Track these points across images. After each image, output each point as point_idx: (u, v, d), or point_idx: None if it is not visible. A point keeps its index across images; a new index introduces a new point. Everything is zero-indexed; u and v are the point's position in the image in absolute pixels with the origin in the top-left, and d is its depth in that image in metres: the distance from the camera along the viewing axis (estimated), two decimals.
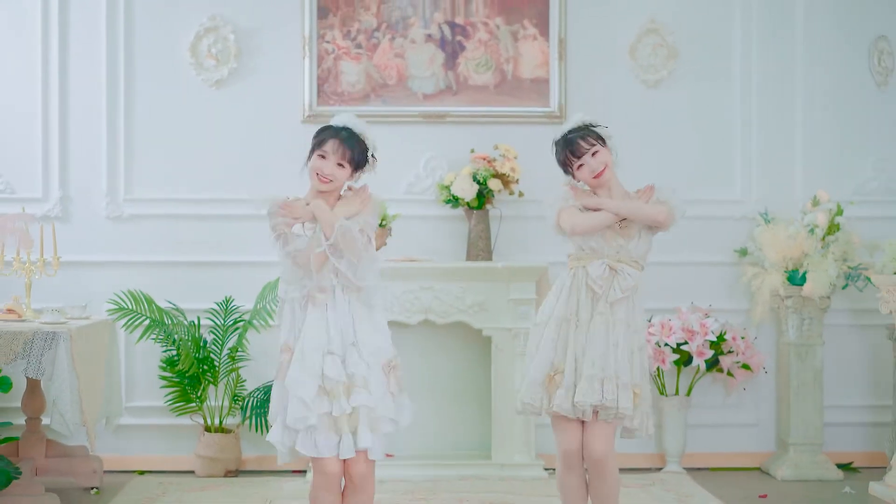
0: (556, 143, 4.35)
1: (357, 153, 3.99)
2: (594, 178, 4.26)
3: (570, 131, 4.33)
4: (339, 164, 3.96)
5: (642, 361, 4.22)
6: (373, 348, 3.94)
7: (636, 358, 4.20)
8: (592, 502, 4.30)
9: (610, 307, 4.19)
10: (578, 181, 4.32)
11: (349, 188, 4.09)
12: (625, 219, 4.24)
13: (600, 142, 4.28)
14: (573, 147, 4.28)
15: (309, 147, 4.05)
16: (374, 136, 4.06)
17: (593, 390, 4.10)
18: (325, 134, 4.01)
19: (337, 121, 4.06)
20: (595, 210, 4.24)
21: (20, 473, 4.81)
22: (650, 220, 4.24)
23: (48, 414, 5.65)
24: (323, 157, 3.97)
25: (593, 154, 4.25)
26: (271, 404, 4.00)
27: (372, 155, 4.05)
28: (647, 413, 4.20)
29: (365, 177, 5.97)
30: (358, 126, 4.04)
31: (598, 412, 4.15)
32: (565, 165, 4.33)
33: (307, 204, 3.98)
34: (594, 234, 4.24)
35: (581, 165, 4.27)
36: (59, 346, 4.99)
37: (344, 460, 3.88)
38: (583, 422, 4.19)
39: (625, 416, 4.13)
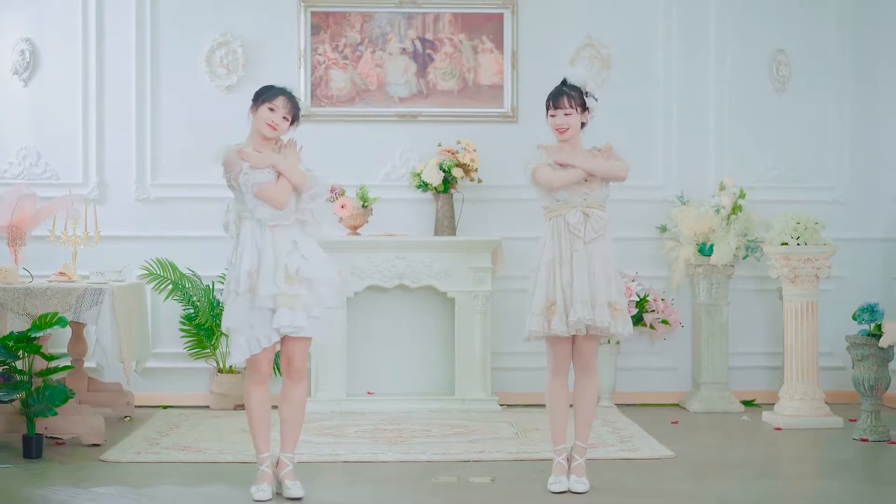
0: (555, 87, 5.04)
1: (296, 110, 4.85)
2: (557, 131, 5.01)
3: (565, 84, 5.04)
4: (284, 118, 4.81)
5: (618, 283, 5.00)
6: (314, 265, 4.78)
7: (613, 282, 4.98)
8: (576, 401, 5.11)
9: (585, 245, 4.94)
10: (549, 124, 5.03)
11: (278, 142, 4.89)
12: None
13: (580, 107, 4.99)
14: (556, 98, 5.01)
15: (257, 104, 4.79)
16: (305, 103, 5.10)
17: (584, 311, 4.88)
18: (274, 91, 4.81)
19: (278, 84, 4.87)
20: (565, 166, 4.96)
21: (74, 394, 5.98)
22: (613, 176, 5.01)
23: (89, 357, 6.87)
24: (273, 109, 4.77)
25: (566, 114, 4.97)
26: (233, 320, 4.76)
27: (303, 115, 4.92)
28: (625, 320, 5.00)
29: (349, 166, 7.16)
30: (296, 90, 4.92)
31: (588, 328, 4.96)
32: (546, 107, 5.04)
33: (260, 153, 4.77)
34: (567, 188, 4.97)
35: (553, 116, 5.00)
36: (104, 300, 6.15)
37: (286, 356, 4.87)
38: (573, 337, 5.01)
39: (602, 328, 4.93)
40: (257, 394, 4.92)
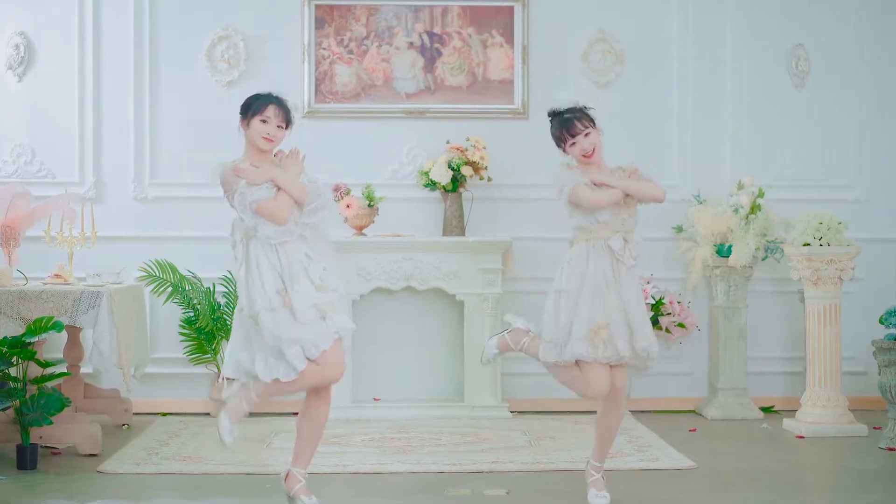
0: (553, 120, 4.77)
1: (289, 115, 4.57)
2: (584, 156, 4.71)
3: (567, 111, 4.74)
4: (279, 126, 4.52)
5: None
6: (331, 275, 4.55)
7: (644, 311, 4.79)
8: (601, 427, 4.88)
9: (627, 271, 4.73)
10: (567, 154, 4.76)
11: (277, 153, 4.61)
12: (627, 195, 4.73)
13: (591, 124, 4.72)
14: (569, 127, 4.70)
15: (248, 117, 4.49)
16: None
17: (645, 337, 4.69)
18: (262, 101, 4.51)
19: (263, 91, 4.58)
20: (601, 186, 4.69)
21: (70, 402, 5.77)
22: (651, 198, 4.75)
23: (85, 363, 6.66)
24: (265, 121, 4.49)
25: (586, 135, 4.68)
26: (280, 333, 4.42)
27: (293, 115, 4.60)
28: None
29: (354, 165, 6.97)
30: (282, 93, 4.60)
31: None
32: (559, 140, 4.75)
33: (257, 167, 4.49)
34: (608, 208, 4.72)
35: (574, 144, 4.70)
36: (101, 303, 5.95)
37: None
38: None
39: (653, 356, 4.71)
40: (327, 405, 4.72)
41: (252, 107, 4.56)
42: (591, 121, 4.76)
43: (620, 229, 4.75)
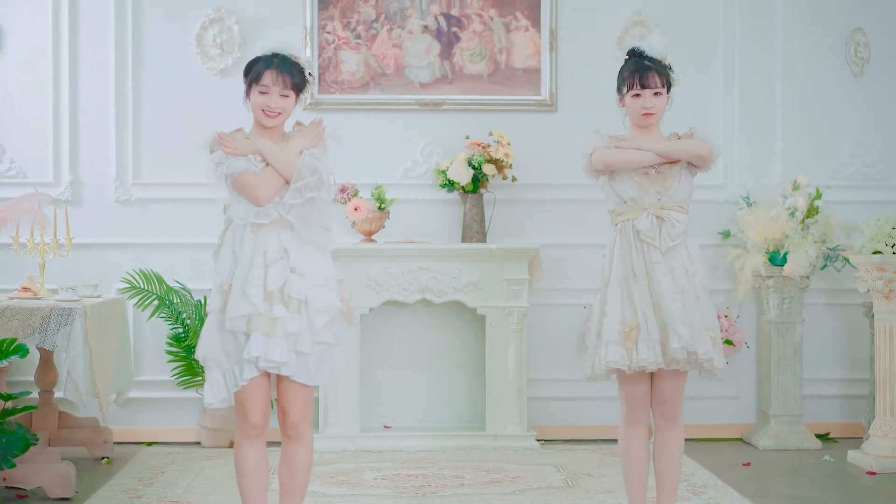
0: (631, 59, 4.17)
1: (296, 77, 3.86)
2: (643, 115, 4.12)
3: (646, 57, 4.15)
4: (283, 95, 3.84)
5: (708, 304, 4.10)
6: (308, 284, 3.81)
7: (703, 301, 4.07)
8: (658, 458, 4.22)
9: (663, 256, 4.06)
10: (621, 105, 4.20)
11: (297, 123, 3.97)
12: (664, 163, 4.10)
13: (666, 87, 4.15)
14: (644, 76, 4.11)
15: (248, 90, 3.88)
16: (306, 55, 3.96)
17: (680, 338, 3.97)
18: (259, 66, 3.86)
19: (266, 50, 3.92)
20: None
21: (37, 440, 5.01)
22: (694, 156, 4.10)
23: (60, 387, 5.91)
24: (264, 91, 3.83)
25: (655, 94, 4.11)
26: (203, 346, 3.84)
27: (309, 73, 3.92)
28: (720, 351, 4.12)
29: (363, 163, 6.23)
30: (288, 49, 3.92)
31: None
32: (625, 85, 4.15)
33: (247, 138, 3.87)
34: (627, 171, 4.11)
35: (638, 95, 4.12)
36: (74, 322, 5.22)
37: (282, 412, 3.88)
38: (651, 376, 4.13)
39: (704, 360, 4.02)
40: (249, 452, 3.89)
41: (250, 74, 3.89)
42: (668, 85, 4.17)
43: (653, 206, 4.08)
